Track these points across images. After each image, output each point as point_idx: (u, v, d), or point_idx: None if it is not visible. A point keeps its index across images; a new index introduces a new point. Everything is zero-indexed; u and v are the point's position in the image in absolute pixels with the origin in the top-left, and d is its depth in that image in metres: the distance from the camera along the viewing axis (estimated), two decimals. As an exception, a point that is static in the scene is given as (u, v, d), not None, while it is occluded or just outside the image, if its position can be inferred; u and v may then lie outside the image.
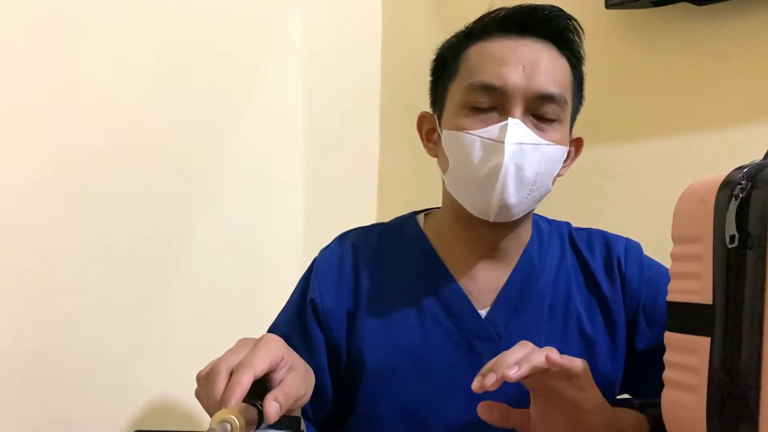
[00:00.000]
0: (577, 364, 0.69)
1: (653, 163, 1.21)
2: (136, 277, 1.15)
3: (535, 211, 0.90)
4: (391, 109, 1.61)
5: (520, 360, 0.67)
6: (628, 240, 0.92)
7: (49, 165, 1.03)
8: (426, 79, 0.92)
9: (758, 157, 0.66)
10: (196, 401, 0.68)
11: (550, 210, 0.97)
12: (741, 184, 0.60)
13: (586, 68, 0.89)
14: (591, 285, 0.89)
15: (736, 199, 0.60)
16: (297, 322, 0.88)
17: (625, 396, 0.86)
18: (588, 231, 0.94)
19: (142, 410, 1.17)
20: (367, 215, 1.63)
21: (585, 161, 0.94)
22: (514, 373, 0.65)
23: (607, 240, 0.92)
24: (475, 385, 0.66)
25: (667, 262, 0.71)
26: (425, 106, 0.92)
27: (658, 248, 0.85)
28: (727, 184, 0.62)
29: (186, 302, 1.23)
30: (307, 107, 1.50)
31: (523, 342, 0.72)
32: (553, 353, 0.67)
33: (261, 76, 1.39)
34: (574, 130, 0.89)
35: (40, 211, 1.02)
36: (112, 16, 1.11)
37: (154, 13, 1.17)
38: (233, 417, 0.56)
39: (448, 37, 0.89)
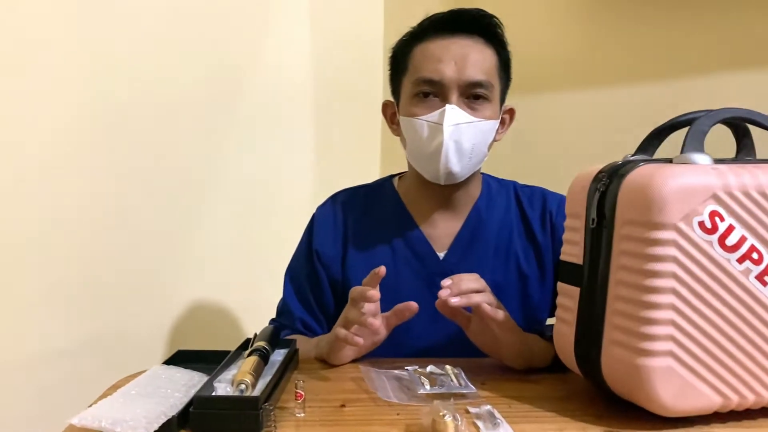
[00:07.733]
0: (499, 314, 0.95)
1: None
2: (171, 210, 1.40)
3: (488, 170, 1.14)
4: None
5: (465, 292, 0.93)
6: (562, 196, 1.14)
7: (87, 116, 1.22)
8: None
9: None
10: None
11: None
12: (602, 180, 0.83)
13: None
14: (528, 233, 1.15)
15: (599, 191, 0.83)
16: (308, 267, 1.17)
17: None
18: (531, 188, 1.19)
19: (180, 324, 1.45)
20: (372, 155, 1.87)
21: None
22: (454, 302, 0.93)
23: (544, 196, 1.17)
24: (443, 281, 0.93)
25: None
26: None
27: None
28: (596, 179, 0.84)
29: (212, 229, 1.50)
30: (315, 52, 1.73)
31: (477, 276, 0.97)
32: (485, 306, 0.93)
33: (271, 28, 1.61)
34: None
35: (85, 159, 1.23)
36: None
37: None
38: (247, 379, 0.82)
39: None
